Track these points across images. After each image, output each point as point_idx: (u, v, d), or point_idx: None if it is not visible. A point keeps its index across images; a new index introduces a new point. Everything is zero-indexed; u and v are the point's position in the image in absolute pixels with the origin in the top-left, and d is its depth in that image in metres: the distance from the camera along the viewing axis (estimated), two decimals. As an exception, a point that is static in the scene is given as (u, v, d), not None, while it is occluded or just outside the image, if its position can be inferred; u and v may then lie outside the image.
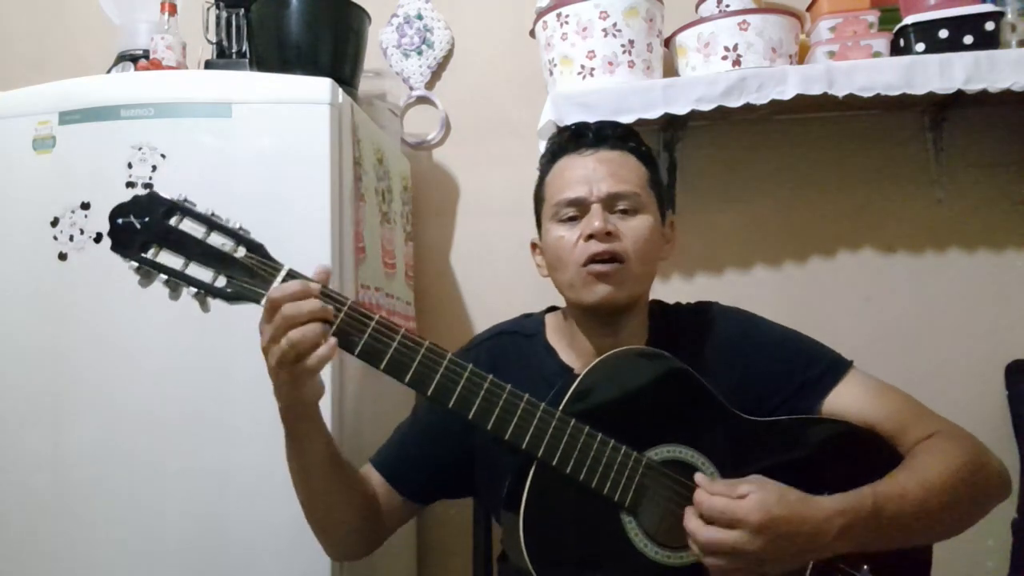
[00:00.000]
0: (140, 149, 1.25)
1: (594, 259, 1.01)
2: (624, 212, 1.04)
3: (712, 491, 0.87)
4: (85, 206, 1.26)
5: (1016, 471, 1.59)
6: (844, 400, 1.04)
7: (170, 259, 0.84)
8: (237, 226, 0.85)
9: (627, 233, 1.03)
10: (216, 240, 0.84)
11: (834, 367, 1.06)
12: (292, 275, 0.85)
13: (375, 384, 1.40)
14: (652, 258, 1.06)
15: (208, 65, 1.57)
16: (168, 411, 1.23)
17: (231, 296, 0.84)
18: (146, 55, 1.54)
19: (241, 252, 0.84)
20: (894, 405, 1.03)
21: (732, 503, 0.84)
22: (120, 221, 0.84)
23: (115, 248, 0.84)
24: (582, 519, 0.91)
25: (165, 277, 0.83)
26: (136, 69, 1.52)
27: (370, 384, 1.38)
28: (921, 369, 1.66)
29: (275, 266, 0.85)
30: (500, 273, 1.83)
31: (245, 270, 0.84)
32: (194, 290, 0.84)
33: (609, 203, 1.03)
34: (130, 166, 1.25)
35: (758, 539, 0.83)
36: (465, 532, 1.36)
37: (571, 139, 1.09)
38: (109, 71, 1.57)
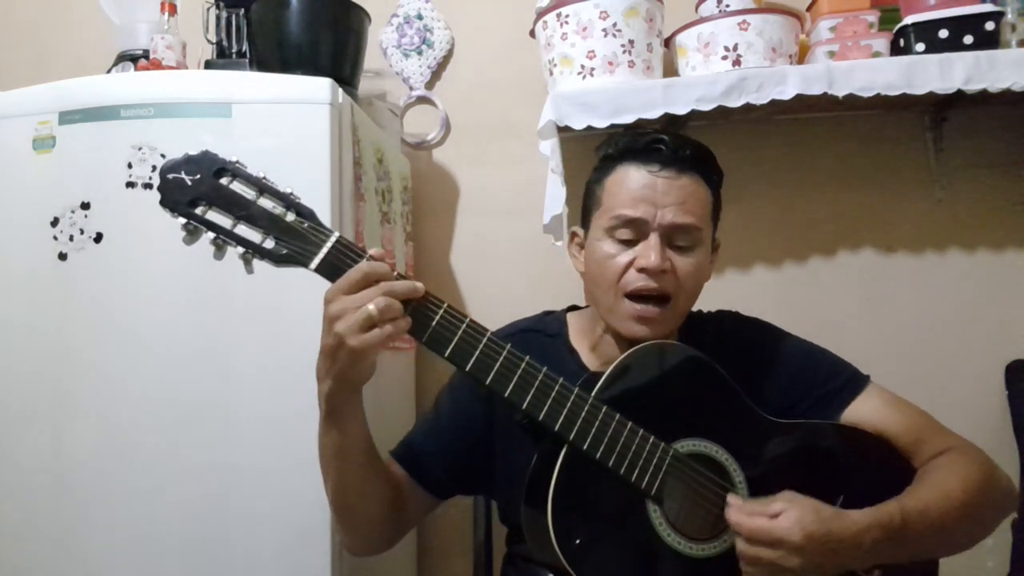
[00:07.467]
0: (140, 149, 1.25)
1: (641, 294, 1.00)
2: (681, 247, 1.02)
3: (748, 512, 0.88)
4: (85, 206, 1.26)
5: (1016, 471, 1.59)
6: (862, 413, 1.04)
7: (218, 218, 0.83)
8: (288, 191, 0.85)
9: (681, 269, 1.01)
10: (266, 203, 0.84)
11: (854, 380, 1.08)
12: (342, 242, 0.85)
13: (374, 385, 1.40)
14: (698, 292, 1.06)
15: (208, 65, 1.57)
16: (168, 411, 1.23)
17: (280, 258, 0.83)
18: (146, 55, 1.54)
19: (291, 216, 0.84)
20: (910, 419, 1.04)
21: (771, 525, 0.85)
22: (171, 176, 0.82)
23: (164, 203, 0.82)
24: (609, 505, 0.92)
25: (212, 235, 0.83)
26: (136, 69, 1.52)
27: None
28: (921, 369, 1.66)
29: (326, 232, 0.85)
30: (500, 273, 1.83)
31: (295, 234, 0.84)
32: (241, 250, 0.83)
33: (669, 234, 1.01)
34: (130, 166, 1.25)
35: (798, 557, 0.84)
36: (465, 532, 1.36)
37: (644, 148, 1.02)
38: (109, 71, 1.57)
